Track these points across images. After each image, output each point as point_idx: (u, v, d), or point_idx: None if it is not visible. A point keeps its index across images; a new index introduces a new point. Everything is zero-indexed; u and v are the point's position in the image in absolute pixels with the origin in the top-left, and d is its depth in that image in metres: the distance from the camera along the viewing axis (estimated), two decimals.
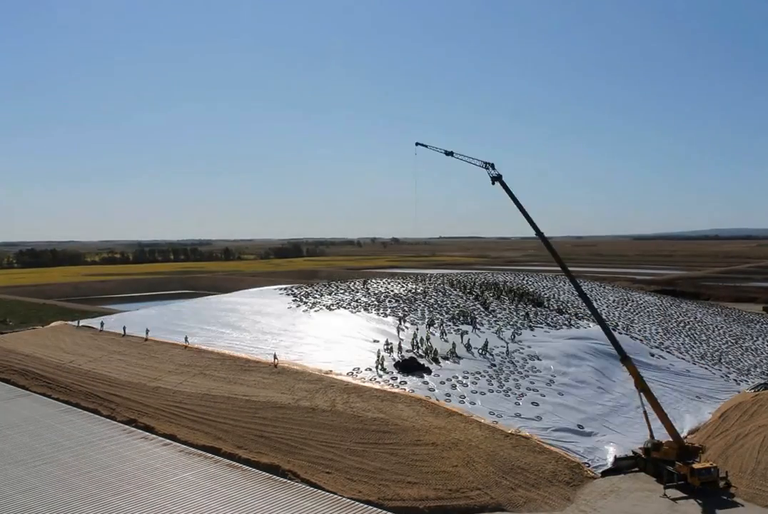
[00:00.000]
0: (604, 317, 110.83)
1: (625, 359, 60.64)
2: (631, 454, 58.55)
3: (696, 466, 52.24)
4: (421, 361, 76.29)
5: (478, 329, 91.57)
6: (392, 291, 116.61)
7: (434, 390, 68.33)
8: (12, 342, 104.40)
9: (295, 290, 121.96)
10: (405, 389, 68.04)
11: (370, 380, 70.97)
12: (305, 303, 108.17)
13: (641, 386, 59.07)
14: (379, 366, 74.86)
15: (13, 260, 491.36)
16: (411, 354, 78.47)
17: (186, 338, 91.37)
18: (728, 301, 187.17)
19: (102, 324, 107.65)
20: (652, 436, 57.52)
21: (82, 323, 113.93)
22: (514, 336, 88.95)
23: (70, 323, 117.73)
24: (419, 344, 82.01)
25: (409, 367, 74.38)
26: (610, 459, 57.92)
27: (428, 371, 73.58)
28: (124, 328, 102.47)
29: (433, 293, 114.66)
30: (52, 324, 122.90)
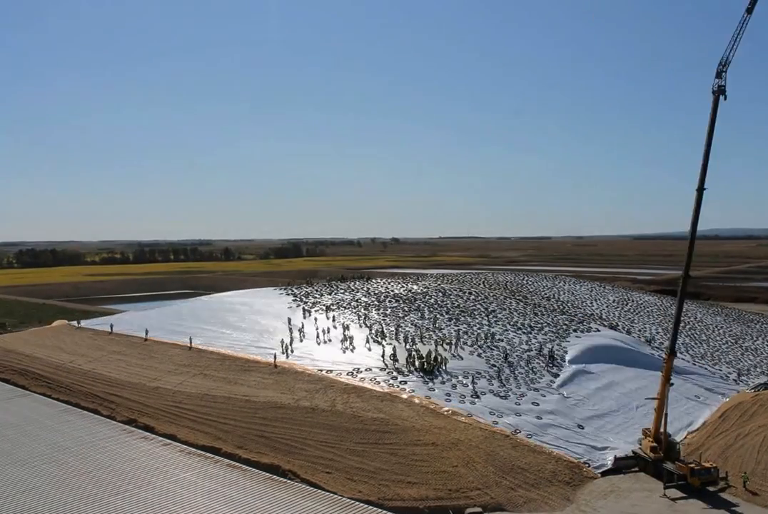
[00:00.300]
0: (604, 316, 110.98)
1: (673, 354, 59.72)
2: (630, 454, 58.65)
3: (695, 466, 52.35)
4: (421, 361, 76.29)
5: (479, 329, 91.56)
6: (392, 291, 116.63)
7: (434, 390, 68.33)
8: (12, 342, 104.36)
9: (295, 290, 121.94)
10: (405, 389, 68.06)
11: (370, 380, 70.96)
12: (305, 303, 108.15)
13: (667, 380, 58.44)
14: (379, 366, 74.88)
15: (13, 259, 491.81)
16: (411, 354, 78.47)
17: (190, 339, 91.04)
18: (728, 301, 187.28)
19: (111, 326, 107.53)
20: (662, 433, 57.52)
21: (82, 324, 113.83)
22: (514, 336, 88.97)
23: (71, 322, 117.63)
24: (419, 344, 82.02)
25: (409, 367, 74.40)
26: (610, 459, 57.97)
27: (428, 371, 73.56)
28: (111, 325, 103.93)
29: (434, 293, 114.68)
30: (54, 324, 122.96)
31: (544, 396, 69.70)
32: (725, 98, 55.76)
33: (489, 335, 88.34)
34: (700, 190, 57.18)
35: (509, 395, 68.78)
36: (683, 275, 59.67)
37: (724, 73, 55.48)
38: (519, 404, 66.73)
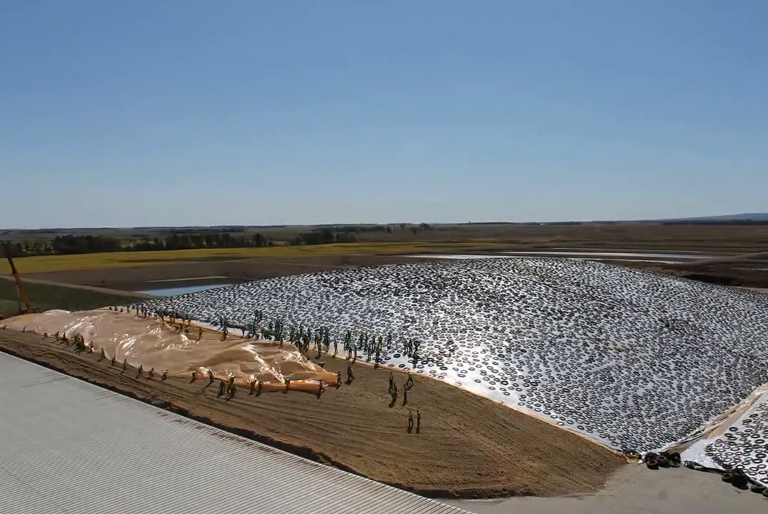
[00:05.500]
0: (634, 302, 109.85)
1: None
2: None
3: None
4: (453, 345, 76.47)
5: (509, 314, 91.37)
6: (422, 277, 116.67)
7: (464, 375, 68.48)
8: (50, 327, 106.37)
9: (326, 275, 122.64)
10: (435, 373, 68.30)
11: (400, 365, 71.33)
12: (335, 289, 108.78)
13: None
14: (409, 351, 75.20)
15: (50, 246, 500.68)
16: (442, 338, 78.70)
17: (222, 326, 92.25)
18: (761, 286, 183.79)
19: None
20: None
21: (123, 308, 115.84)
22: (544, 321, 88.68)
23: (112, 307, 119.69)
24: (449, 329, 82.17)
25: (440, 352, 74.65)
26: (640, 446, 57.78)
27: (459, 356, 73.70)
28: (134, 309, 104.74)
29: (463, 278, 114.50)
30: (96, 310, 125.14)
31: (577, 380, 69.55)
32: None
33: (521, 319, 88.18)
34: None
35: (540, 381, 68.73)
36: None
37: None
38: (551, 390, 66.69)
